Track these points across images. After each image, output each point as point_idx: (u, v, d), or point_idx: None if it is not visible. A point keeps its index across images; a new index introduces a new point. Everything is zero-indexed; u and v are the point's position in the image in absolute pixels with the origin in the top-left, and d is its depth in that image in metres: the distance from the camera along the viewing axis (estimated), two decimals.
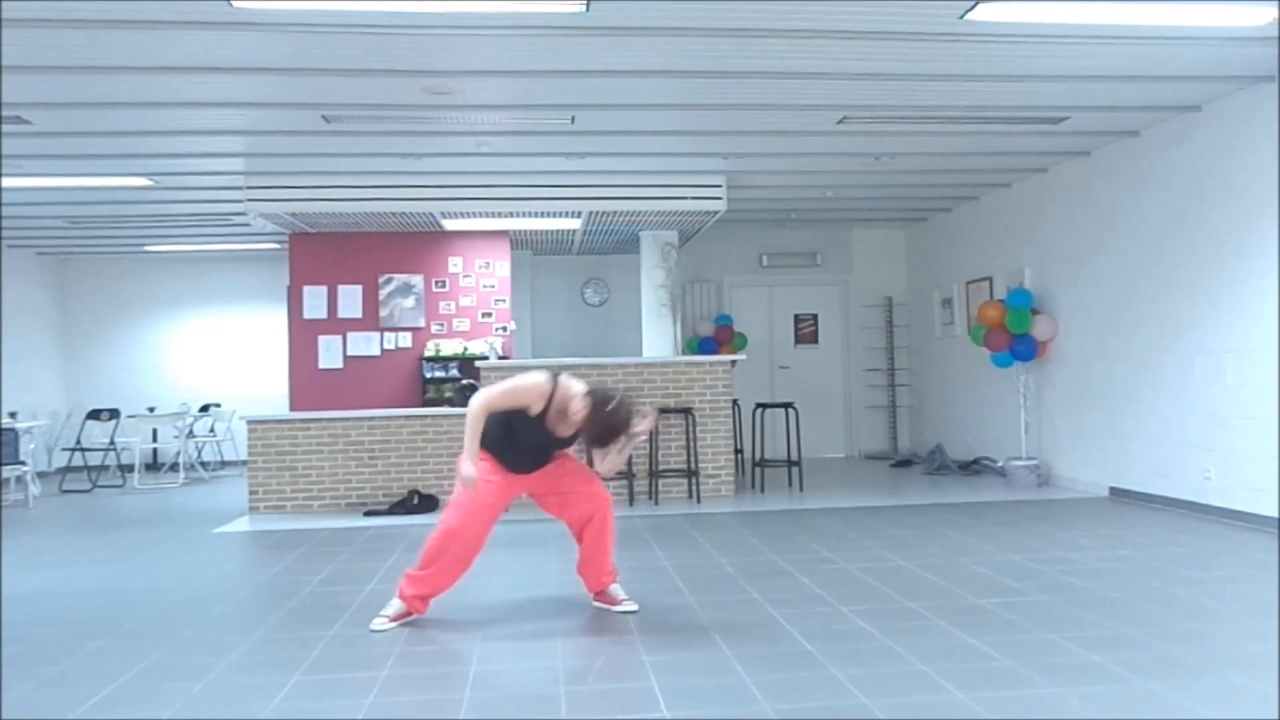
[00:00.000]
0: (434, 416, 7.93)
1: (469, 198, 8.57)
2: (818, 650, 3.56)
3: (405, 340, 10.03)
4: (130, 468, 10.49)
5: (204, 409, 11.69)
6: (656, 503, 7.76)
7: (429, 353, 9.94)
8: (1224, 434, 6.34)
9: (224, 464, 11.84)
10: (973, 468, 9.30)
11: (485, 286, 10.21)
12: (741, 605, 4.29)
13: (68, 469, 11.01)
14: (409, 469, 7.82)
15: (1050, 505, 7.20)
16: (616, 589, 4.29)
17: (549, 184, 8.54)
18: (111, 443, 10.51)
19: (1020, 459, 8.45)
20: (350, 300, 9.96)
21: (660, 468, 7.96)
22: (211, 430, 11.58)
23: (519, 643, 3.82)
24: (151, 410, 10.98)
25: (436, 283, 10.11)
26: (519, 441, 4.06)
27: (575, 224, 9.39)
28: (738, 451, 9.38)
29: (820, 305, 11.62)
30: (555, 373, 4.01)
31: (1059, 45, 5.23)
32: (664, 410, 7.79)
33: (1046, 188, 8.52)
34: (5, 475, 8.87)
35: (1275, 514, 5.86)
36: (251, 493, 7.71)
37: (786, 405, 8.51)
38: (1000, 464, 8.87)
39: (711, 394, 8.07)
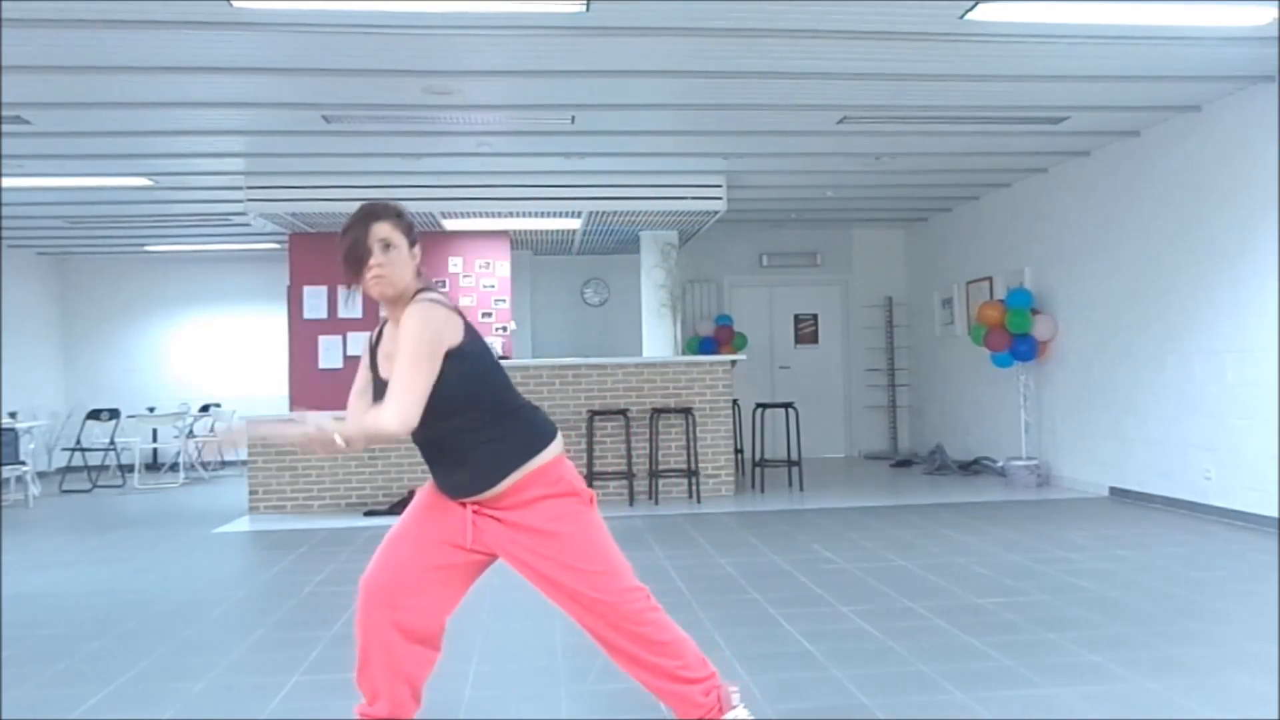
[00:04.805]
0: None
1: (469, 198, 8.57)
2: (818, 650, 3.55)
3: None
4: (130, 468, 10.49)
5: (204, 409, 11.69)
6: (657, 503, 7.75)
7: None
8: (1224, 434, 6.33)
9: (224, 464, 11.84)
10: (973, 468, 9.30)
11: (485, 286, 10.20)
12: (741, 605, 4.29)
13: (68, 469, 11.00)
14: (409, 469, 7.82)
15: (1050, 505, 7.19)
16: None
17: (549, 184, 8.54)
18: (111, 443, 10.51)
19: (1020, 459, 8.45)
20: (350, 300, 9.95)
21: (660, 467, 7.95)
22: (211, 430, 11.57)
23: (519, 642, 3.82)
24: (151, 410, 10.98)
25: (436, 283, 10.11)
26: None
27: (575, 224, 9.39)
28: (738, 451, 9.38)
29: (820, 305, 11.62)
30: None
31: (1059, 45, 5.22)
32: (664, 410, 7.79)
33: (1046, 188, 8.51)
34: (5, 475, 8.86)
35: (1275, 514, 5.86)
36: (251, 493, 7.71)
37: (786, 405, 8.51)
38: (1000, 464, 8.86)
39: (711, 394, 8.07)
